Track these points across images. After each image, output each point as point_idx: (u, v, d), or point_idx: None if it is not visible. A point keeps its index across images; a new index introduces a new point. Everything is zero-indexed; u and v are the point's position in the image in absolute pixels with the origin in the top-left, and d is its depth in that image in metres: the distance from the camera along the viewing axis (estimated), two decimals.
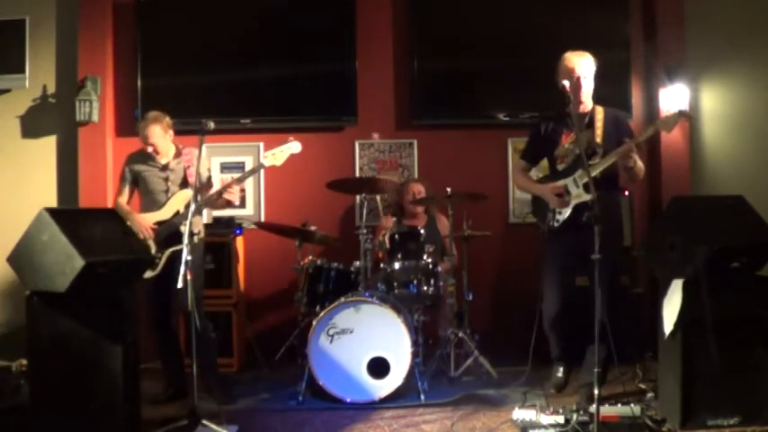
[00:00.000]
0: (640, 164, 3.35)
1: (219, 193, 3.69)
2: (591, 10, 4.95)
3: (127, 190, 3.91)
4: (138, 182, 3.89)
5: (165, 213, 3.77)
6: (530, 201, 3.77)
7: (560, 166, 3.47)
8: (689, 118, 3.29)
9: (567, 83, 3.35)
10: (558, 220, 3.42)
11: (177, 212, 3.76)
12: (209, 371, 3.86)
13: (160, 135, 3.80)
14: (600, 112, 3.43)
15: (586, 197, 3.34)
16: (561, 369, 3.69)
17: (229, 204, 3.81)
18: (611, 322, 3.13)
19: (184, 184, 3.84)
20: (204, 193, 3.81)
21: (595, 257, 2.82)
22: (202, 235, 3.91)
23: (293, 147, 3.80)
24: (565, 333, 3.61)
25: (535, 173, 3.91)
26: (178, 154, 3.88)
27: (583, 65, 3.40)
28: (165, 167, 3.84)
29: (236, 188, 3.70)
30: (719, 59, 4.92)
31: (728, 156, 4.95)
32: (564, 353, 3.67)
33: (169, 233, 3.71)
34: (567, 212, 3.40)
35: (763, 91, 4.86)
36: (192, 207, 3.29)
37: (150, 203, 3.84)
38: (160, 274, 3.70)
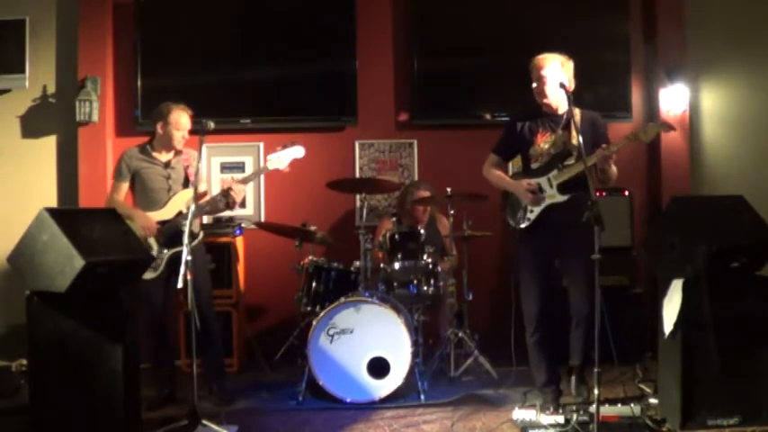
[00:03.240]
0: (614, 168, 3.34)
1: (223, 193, 3.69)
2: (591, 10, 4.96)
3: (124, 187, 3.80)
4: (134, 179, 3.80)
5: (167, 213, 3.71)
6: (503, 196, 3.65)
7: (534, 165, 3.43)
8: (670, 129, 3.27)
9: (534, 83, 3.40)
10: (528, 219, 3.38)
11: (180, 213, 3.71)
12: (218, 375, 3.86)
13: (188, 129, 3.77)
14: (577, 114, 3.40)
15: (560, 198, 3.32)
16: (551, 396, 3.41)
17: (228, 207, 3.79)
18: (589, 323, 3.10)
19: (186, 183, 3.80)
20: (200, 199, 3.79)
21: (595, 257, 2.81)
22: (202, 236, 3.88)
23: (296, 151, 3.82)
24: (550, 347, 3.41)
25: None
26: (177, 152, 3.83)
27: (547, 65, 3.40)
28: (167, 165, 3.78)
29: (238, 189, 3.70)
30: (719, 60, 4.93)
31: (728, 156, 4.96)
32: (550, 377, 3.43)
33: (171, 234, 3.66)
34: (537, 212, 3.37)
35: (763, 91, 4.87)
36: (193, 207, 3.29)
37: (149, 202, 3.75)
38: (161, 276, 3.67)
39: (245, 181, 3.79)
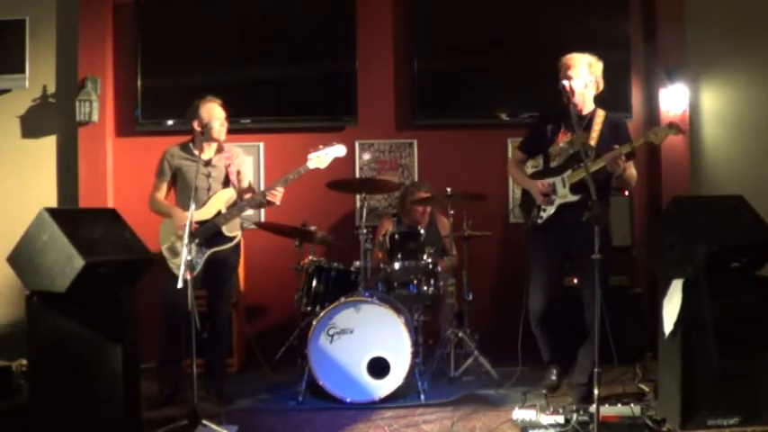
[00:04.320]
0: (631, 171, 3.35)
1: (263, 194, 3.70)
2: (591, 10, 4.96)
3: (165, 185, 3.80)
4: (176, 177, 3.80)
5: (206, 213, 3.68)
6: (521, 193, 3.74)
7: (553, 164, 3.49)
8: (680, 132, 3.28)
9: (560, 82, 3.39)
10: (541, 217, 3.45)
11: (219, 212, 3.71)
12: (220, 376, 3.86)
13: (224, 117, 3.76)
14: (600, 116, 3.43)
15: (572, 198, 3.36)
16: (555, 372, 3.64)
17: (270, 205, 3.80)
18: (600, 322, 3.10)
19: (226, 182, 3.80)
20: (245, 193, 3.85)
21: (595, 257, 2.82)
22: (239, 238, 3.87)
23: (338, 150, 3.81)
24: (554, 334, 3.56)
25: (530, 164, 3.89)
26: (219, 150, 3.81)
27: (575, 64, 3.40)
28: (208, 163, 3.76)
29: (279, 189, 3.71)
30: (719, 59, 4.92)
31: (728, 156, 4.95)
32: (555, 354, 3.62)
33: (210, 234, 3.66)
34: (551, 210, 3.42)
35: (763, 91, 4.86)
36: (193, 207, 3.29)
37: (189, 200, 3.69)
38: (198, 276, 3.61)
39: (283, 182, 3.76)
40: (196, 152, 3.77)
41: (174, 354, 3.81)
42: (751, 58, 4.84)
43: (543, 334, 3.57)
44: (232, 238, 3.78)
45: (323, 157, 3.78)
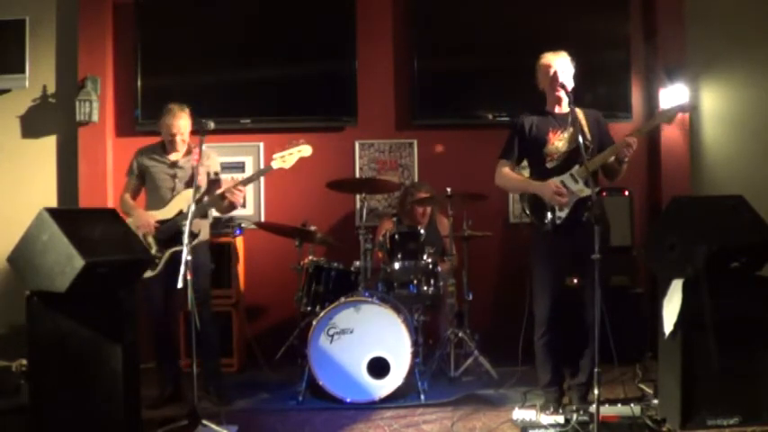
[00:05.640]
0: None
1: (223, 194, 3.67)
2: (591, 10, 4.96)
3: (133, 185, 3.85)
4: (144, 177, 3.84)
5: (168, 212, 3.72)
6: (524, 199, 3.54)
7: (550, 164, 3.38)
8: (691, 110, 3.23)
9: (546, 78, 3.38)
10: (560, 218, 3.32)
11: (180, 212, 3.71)
12: (214, 375, 3.85)
13: (187, 127, 3.78)
14: (580, 112, 3.39)
15: (588, 191, 3.27)
16: (554, 395, 3.41)
17: (232, 207, 3.77)
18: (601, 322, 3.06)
19: (192, 183, 3.79)
20: (211, 193, 3.80)
21: (595, 257, 2.82)
22: (206, 236, 3.87)
23: (303, 150, 3.76)
24: (558, 348, 3.38)
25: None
26: (188, 152, 3.84)
27: (559, 62, 3.40)
28: (173, 164, 3.79)
29: (241, 189, 3.68)
30: (719, 59, 4.93)
31: (728, 156, 4.96)
32: (554, 375, 3.40)
33: (171, 233, 3.66)
34: (567, 209, 3.36)
35: (763, 91, 4.87)
36: (193, 207, 3.28)
37: (156, 200, 3.78)
38: (160, 275, 3.66)
39: (246, 182, 3.74)
40: (165, 153, 3.81)
41: (167, 352, 3.81)
42: (751, 58, 4.84)
43: (547, 348, 3.37)
44: (193, 238, 3.75)
45: (287, 157, 3.72)
